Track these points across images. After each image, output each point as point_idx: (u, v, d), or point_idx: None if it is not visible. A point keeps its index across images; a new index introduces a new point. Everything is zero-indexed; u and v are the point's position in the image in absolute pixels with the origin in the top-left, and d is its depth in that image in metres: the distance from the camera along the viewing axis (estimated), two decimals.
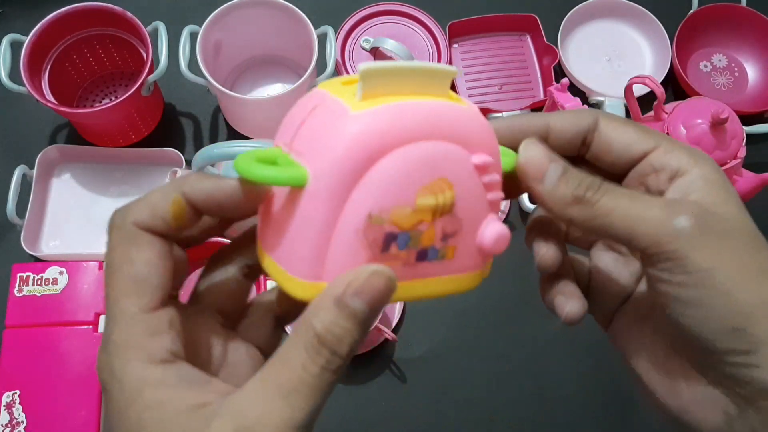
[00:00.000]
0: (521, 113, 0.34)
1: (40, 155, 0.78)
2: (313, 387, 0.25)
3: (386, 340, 0.75)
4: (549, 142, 0.31)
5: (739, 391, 0.28)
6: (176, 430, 0.23)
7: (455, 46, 0.90)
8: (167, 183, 0.28)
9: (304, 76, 0.75)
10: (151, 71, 0.75)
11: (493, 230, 0.28)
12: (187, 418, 0.23)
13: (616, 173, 0.32)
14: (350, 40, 0.84)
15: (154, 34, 0.77)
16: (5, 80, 0.73)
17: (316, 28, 0.77)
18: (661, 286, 0.28)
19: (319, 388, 0.25)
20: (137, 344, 0.25)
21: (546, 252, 0.31)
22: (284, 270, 0.26)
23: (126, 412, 0.24)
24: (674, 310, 0.28)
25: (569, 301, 0.32)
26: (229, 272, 0.31)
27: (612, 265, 0.34)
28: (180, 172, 0.69)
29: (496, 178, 0.28)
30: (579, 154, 0.32)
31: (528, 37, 0.92)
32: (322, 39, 0.79)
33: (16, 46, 0.74)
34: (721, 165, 0.74)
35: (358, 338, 0.25)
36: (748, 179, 0.75)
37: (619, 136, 0.31)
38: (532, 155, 0.30)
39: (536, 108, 0.87)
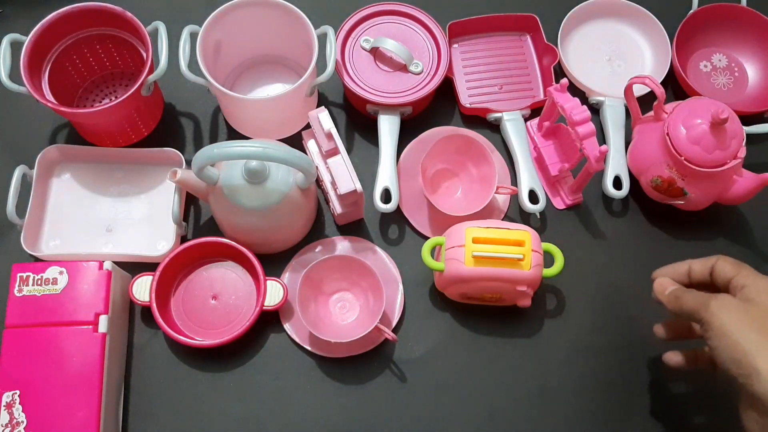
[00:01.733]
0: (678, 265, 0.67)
1: (40, 155, 0.78)
2: None
3: (386, 340, 0.75)
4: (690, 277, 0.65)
5: (753, 403, 0.53)
6: None
7: (455, 46, 0.90)
8: None
9: (304, 76, 0.75)
10: (151, 71, 0.75)
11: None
12: None
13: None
14: (350, 40, 0.84)
15: (154, 34, 0.77)
16: (5, 80, 0.73)
17: (316, 28, 0.77)
18: (707, 341, 0.57)
19: None
20: None
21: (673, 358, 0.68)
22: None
23: None
24: (713, 354, 0.56)
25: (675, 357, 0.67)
26: None
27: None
28: (180, 172, 0.69)
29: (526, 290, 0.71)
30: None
31: (528, 37, 0.92)
32: (322, 39, 0.79)
33: (16, 46, 0.74)
34: (721, 165, 0.74)
35: None
36: (748, 179, 0.75)
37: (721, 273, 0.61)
38: (660, 282, 0.65)
39: (536, 108, 0.87)
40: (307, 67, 0.76)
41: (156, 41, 0.76)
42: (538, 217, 0.83)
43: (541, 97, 0.88)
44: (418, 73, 0.82)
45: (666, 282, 0.64)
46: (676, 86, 0.91)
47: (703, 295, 0.58)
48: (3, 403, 0.65)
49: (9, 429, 0.65)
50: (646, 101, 0.84)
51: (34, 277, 0.70)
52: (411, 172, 0.82)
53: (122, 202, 0.81)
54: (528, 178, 0.82)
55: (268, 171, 0.70)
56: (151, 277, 0.73)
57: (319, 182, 0.81)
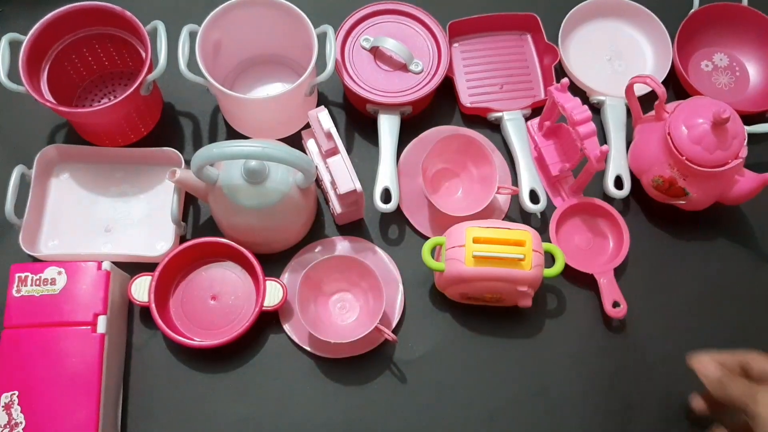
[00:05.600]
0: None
1: (38, 155, 0.78)
2: None
3: (386, 340, 0.75)
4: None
5: None
6: None
7: (455, 45, 0.90)
8: None
9: (304, 76, 0.75)
10: (150, 71, 0.75)
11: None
12: None
13: None
14: (350, 39, 0.84)
15: (154, 33, 0.77)
16: (4, 80, 0.73)
17: (316, 27, 0.77)
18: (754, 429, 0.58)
19: None
20: None
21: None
22: None
23: None
24: None
25: None
26: None
27: None
28: (179, 172, 0.69)
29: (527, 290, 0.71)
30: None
31: (529, 36, 0.92)
32: (322, 38, 0.78)
33: (15, 46, 0.74)
34: (722, 165, 0.73)
35: None
36: (750, 179, 0.75)
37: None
38: (703, 362, 0.63)
39: (537, 107, 0.87)
40: (307, 67, 0.75)
41: (155, 41, 0.76)
42: (539, 217, 0.83)
43: (542, 96, 0.88)
44: (419, 73, 0.82)
45: (709, 364, 0.63)
46: (677, 86, 0.90)
47: (750, 386, 0.59)
48: (2, 403, 0.65)
49: (8, 430, 0.64)
50: (647, 101, 0.83)
51: (32, 277, 0.69)
52: (411, 172, 0.81)
53: (121, 202, 0.81)
54: (529, 178, 0.81)
55: (267, 171, 0.70)
56: (150, 278, 0.73)
57: (319, 182, 0.81)
